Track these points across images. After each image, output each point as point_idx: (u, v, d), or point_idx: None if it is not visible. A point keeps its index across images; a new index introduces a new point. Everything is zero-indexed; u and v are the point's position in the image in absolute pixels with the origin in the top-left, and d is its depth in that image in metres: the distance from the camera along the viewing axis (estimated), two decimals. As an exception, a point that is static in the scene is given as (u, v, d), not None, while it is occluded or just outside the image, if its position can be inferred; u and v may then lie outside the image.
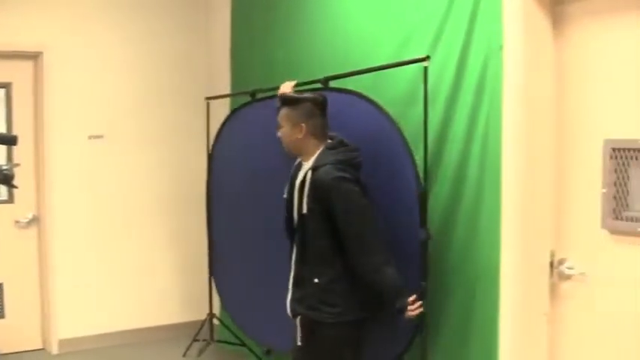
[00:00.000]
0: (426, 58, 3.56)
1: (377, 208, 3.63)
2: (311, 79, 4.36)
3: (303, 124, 3.62)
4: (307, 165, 3.64)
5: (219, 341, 6.01)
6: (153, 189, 6.64)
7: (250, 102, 5.20)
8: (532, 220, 3.37)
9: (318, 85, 4.22)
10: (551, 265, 3.42)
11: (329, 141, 3.66)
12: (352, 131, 3.80)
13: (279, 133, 3.72)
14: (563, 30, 3.34)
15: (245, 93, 5.32)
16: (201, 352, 5.84)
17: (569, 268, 3.35)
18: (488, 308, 3.48)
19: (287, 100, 3.72)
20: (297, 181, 3.67)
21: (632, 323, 3.03)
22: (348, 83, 4.12)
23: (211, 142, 5.80)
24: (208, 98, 6.00)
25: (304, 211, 3.56)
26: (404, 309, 3.43)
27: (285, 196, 3.80)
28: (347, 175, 3.51)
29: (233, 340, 5.82)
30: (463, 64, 3.59)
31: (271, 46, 5.58)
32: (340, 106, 3.88)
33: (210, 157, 5.83)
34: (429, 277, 3.63)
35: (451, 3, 3.66)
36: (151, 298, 6.65)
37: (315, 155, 3.61)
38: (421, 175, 3.63)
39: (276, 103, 3.78)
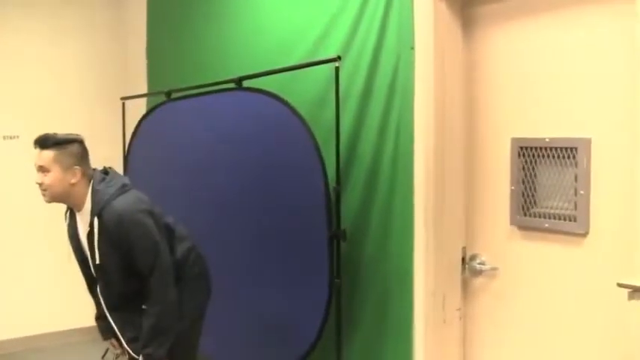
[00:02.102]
0: (337, 59, 3.54)
1: (288, 209, 3.64)
2: (226, 78, 4.33)
3: (77, 167, 3.24)
4: (85, 213, 3.27)
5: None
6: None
7: (165, 102, 5.12)
8: (444, 217, 3.41)
9: (232, 85, 4.20)
10: (464, 261, 3.48)
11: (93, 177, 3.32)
12: (265, 131, 3.80)
13: (44, 179, 3.23)
14: (473, 31, 3.41)
15: (160, 93, 5.25)
16: (118, 355, 5.74)
17: (480, 264, 3.42)
18: (403, 304, 3.51)
19: (55, 142, 3.24)
20: (82, 235, 3.33)
21: (542, 315, 3.11)
22: (263, 83, 4.07)
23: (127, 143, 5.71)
24: (124, 98, 5.91)
25: (97, 261, 3.26)
26: (150, 357, 3.29)
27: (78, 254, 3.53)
28: (143, 206, 3.24)
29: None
30: (375, 64, 3.61)
31: (187, 43, 5.53)
32: (253, 107, 3.86)
33: (126, 159, 5.74)
34: (343, 274, 3.64)
35: (363, 4, 3.68)
36: (68, 300, 6.49)
37: (88, 198, 3.26)
38: (334, 174, 3.62)
39: (35, 146, 3.32)
